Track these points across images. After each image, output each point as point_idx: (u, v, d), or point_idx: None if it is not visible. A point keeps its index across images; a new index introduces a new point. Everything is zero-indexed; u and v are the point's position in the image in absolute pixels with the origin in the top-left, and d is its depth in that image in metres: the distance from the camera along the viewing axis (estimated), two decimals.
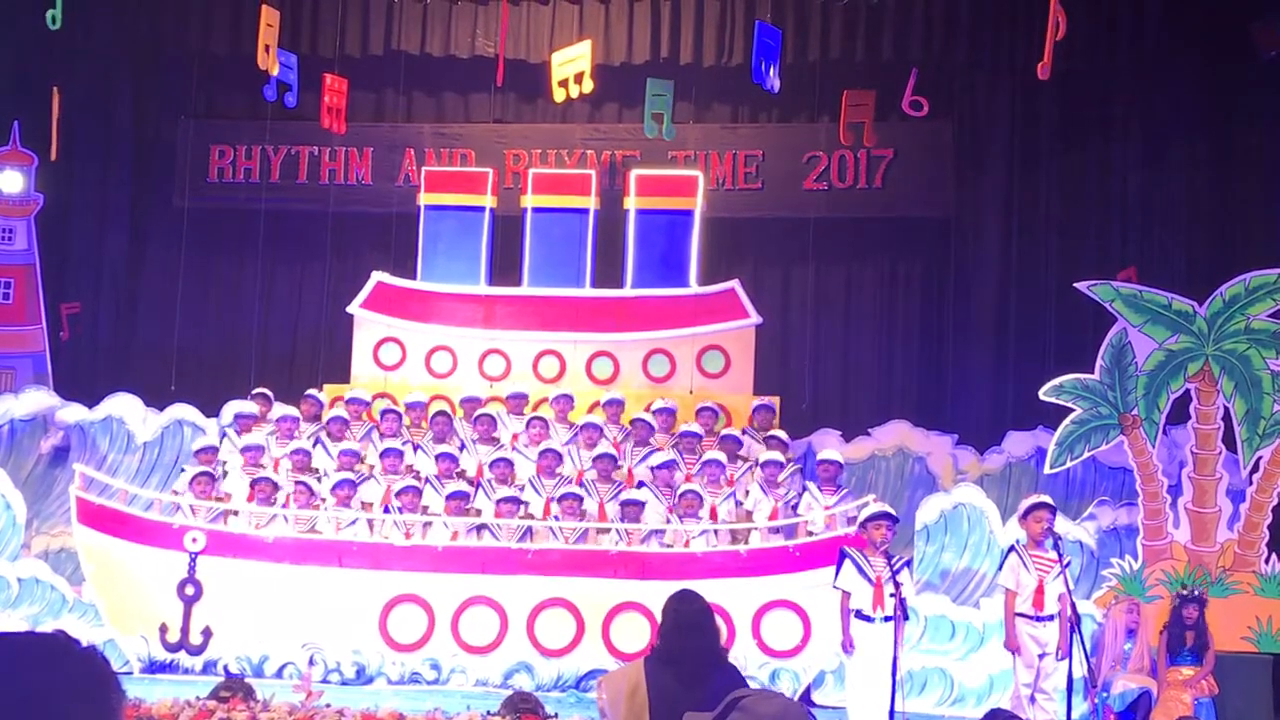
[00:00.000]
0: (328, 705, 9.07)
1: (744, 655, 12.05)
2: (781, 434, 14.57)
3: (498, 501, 13.30)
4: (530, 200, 16.46)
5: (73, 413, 15.72)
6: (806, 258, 17.00)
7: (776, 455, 13.84)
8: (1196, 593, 12.59)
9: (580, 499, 13.32)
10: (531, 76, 17.00)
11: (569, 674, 12.65)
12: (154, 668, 12.75)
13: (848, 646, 10.63)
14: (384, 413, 14.91)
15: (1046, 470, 13.84)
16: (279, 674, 12.57)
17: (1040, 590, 10.68)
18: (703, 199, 16.42)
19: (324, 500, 13.55)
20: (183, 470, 14.32)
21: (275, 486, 13.58)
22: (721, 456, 13.91)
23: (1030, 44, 14.79)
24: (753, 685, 11.12)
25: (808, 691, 12.50)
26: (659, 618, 5.60)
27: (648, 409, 14.97)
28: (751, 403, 15.37)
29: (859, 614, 10.63)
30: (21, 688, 2.18)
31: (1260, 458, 13.25)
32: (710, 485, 13.64)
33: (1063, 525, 12.28)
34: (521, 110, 17.82)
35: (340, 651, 12.77)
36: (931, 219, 16.98)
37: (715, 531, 13.18)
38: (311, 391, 15.43)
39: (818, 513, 13.16)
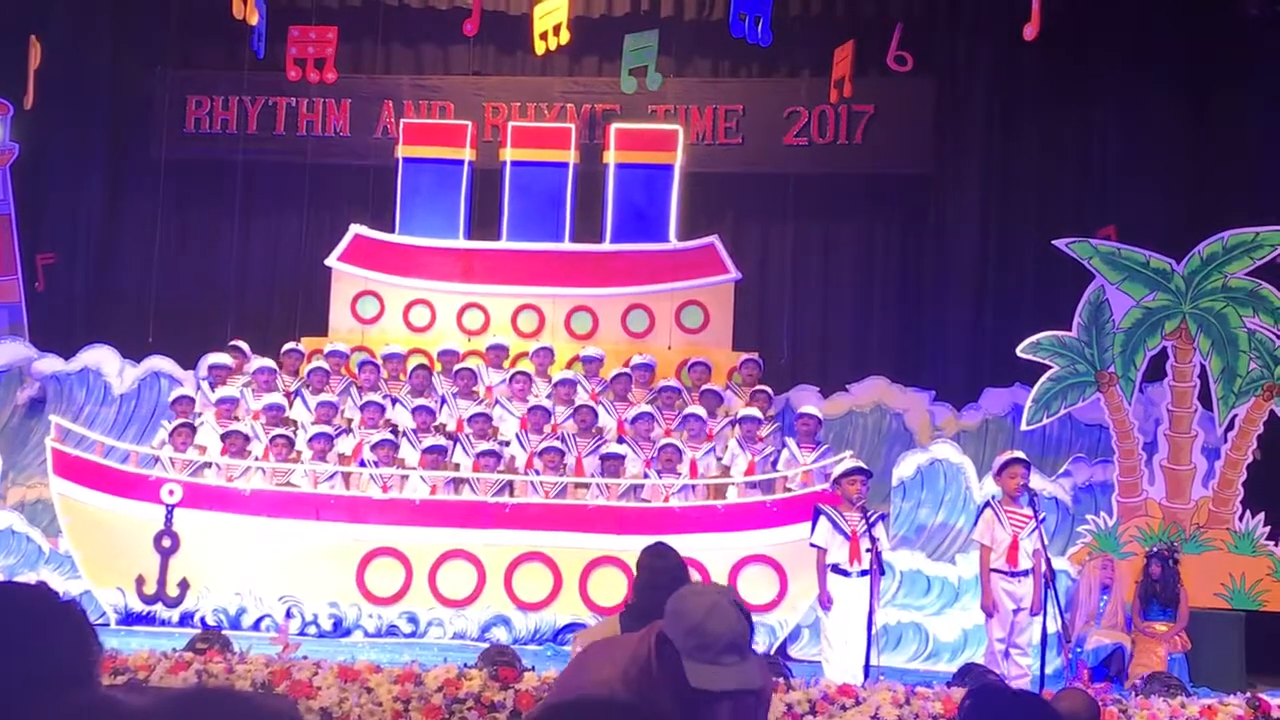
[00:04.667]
0: (304, 657, 9.06)
1: None
2: (766, 389, 14.59)
3: (476, 455, 13.31)
4: (509, 154, 16.39)
5: (49, 364, 15.65)
6: (786, 213, 16.99)
7: (754, 411, 13.87)
8: (1156, 549, 12.68)
9: (563, 453, 13.33)
10: (511, 29, 16.93)
11: (546, 627, 12.70)
12: (130, 619, 12.76)
13: (825, 603, 10.67)
14: (361, 365, 14.86)
15: (1023, 427, 13.88)
16: (256, 626, 12.59)
17: (1015, 546, 10.73)
18: (682, 153, 16.37)
19: (300, 453, 13.54)
20: (161, 425, 14.27)
21: (247, 439, 13.55)
22: (701, 411, 13.95)
23: (1012, 1, 14.76)
24: None
25: (784, 646, 12.57)
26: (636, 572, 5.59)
27: (626, 364, 14.98)
28: (731, 358, 15.39)
29: (835, 568, 10.68)
30: (2, 637, 2.18)
31: (1236, 415, 13.32)
32: (691, 440, 13.67)
33: (1038, 482, 12.34)
34: (501, 63, 17.72)
35: (317, 604, 12.79)
36: (911, 175, 16.95)
37: (694, 487, 13.22)
38: (292, 345, 15.35)
39: (795, 468, 13.20)
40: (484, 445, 13.39)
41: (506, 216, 16.29)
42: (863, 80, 15.81)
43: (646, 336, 15.79)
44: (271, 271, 17.86)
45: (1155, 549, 12.67)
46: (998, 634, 10.77)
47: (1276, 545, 13.10)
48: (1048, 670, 10.40)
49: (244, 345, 15.40)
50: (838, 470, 11.21)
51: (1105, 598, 12.43)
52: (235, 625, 12.45)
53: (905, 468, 13.86)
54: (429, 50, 17.92)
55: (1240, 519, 13.21)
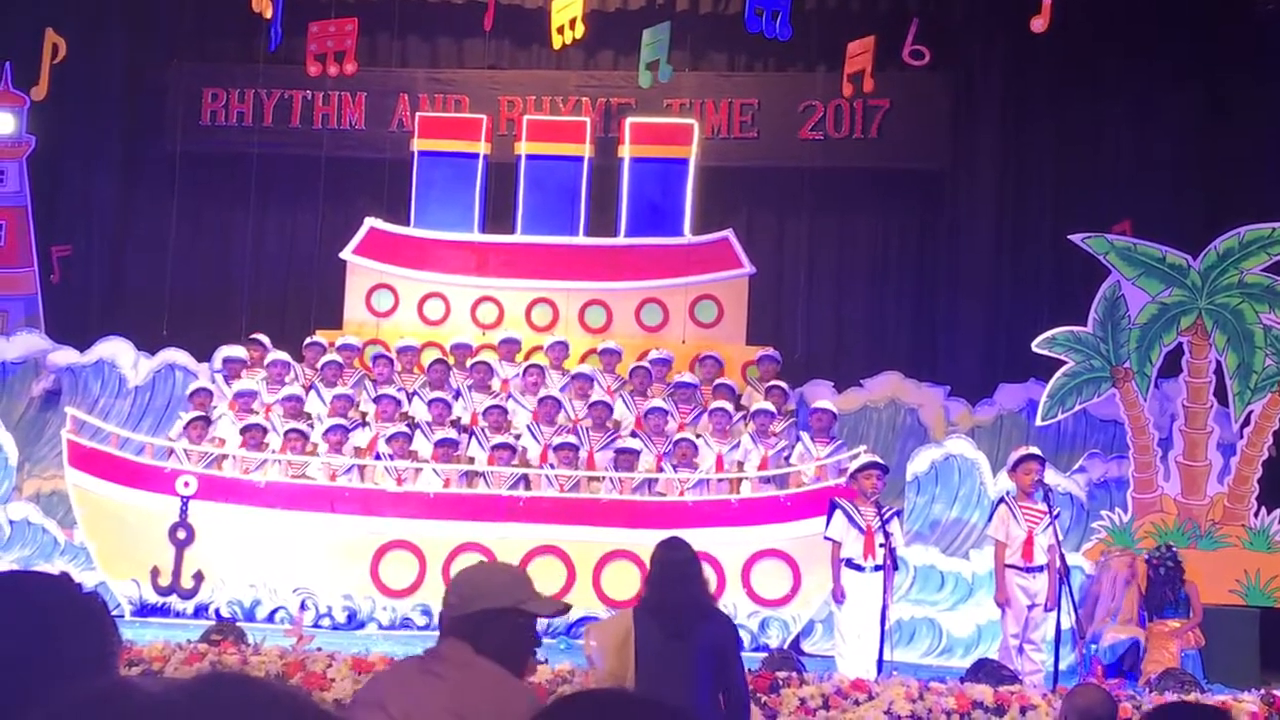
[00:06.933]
0: (318, 649, 9.10)
1: (734, 604, 12.09)
2: (781, 384, 14.58)
3: (491, 449, 13.32)
4: (524, 147, 16.40)
5: (64, 356, 15.67)
6: (801, 208, 16.96)
7: (768, 405, 13.86)
8: (1148, 556, 12.64)
9: (576, 448, 13.33)
10: (526, 22, 16.92)
11: (559, 621, 12.68)
12: (145, 611, 12.78)
13: (839, 596, 10.68)
14: (376, 358, 14.88)
15: (1038, 422, 13.85)
16: (270, 618, 12.62)
17: (1029, 541, 10.73)
18: (698, 147, 16.37)
19: (316, 446, 13.55)
20: (178, 417, 14.30)
21: (265, 432, 13.57)
22: (728, 406, 13.94)
23: None
24: (742, 635, 11.14)
25: (797, 640, 12.56)
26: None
27: (642, 358, 14.97)
28: (745, 352, 15.39)
29: (849, 563, 10.69)
30: (24, 626, 2.18)
31: (1251, 411, 13.28)
32: (716, 434, 13.66)
33: (1053, 477, 12.32)
34: (516, 56, 17.72)
35: (331, 596, 12.81)
36: (926, 170, 16.92)
37: (708, 481, 13.21)
38: (315, 338, 15.34)
39: (809, 463, 13.19)
40: (499, 438, 13.40)
41: (521, 210, 16.29)
42: (879, 75, 15.76)
43: (660, 330, 15.79)
44: (286, 264, 17.87)
45: (1148, 557, 12.63)
46: (1012, 629, 10.77)
47: None
48: (1062, 666, 10.39)
49: (264, 339, 15.39)
50: (854, 465, 11.22)
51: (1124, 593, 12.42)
52: (250, 617, 12.47)
53: (920, 463, 13.85)
54: (445, 44, 17.92)
55: (1255, 515, 13.17)
